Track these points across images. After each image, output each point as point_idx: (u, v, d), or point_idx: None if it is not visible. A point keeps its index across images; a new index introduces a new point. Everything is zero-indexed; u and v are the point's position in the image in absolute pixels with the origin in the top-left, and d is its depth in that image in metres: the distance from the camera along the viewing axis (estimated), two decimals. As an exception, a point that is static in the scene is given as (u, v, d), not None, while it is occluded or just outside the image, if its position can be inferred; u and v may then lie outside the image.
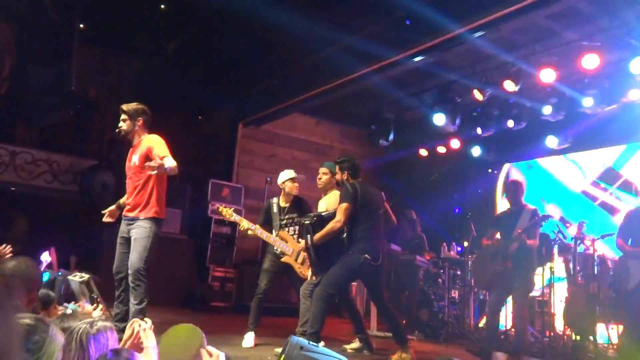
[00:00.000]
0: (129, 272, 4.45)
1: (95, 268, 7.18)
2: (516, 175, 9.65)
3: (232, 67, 9.09)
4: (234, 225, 9.34)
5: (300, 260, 5.52)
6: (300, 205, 5.88)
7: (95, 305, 4.12)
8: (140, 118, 4.67)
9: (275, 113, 9.52)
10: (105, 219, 4.88)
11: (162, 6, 8.67)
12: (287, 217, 5.83)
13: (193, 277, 8.88)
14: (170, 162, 4.28)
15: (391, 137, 9.11)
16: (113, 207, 4.89)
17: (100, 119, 9.18)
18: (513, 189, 5.71)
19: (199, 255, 8.99)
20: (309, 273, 5.39)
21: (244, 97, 9.61)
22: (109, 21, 8.81)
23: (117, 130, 4.77)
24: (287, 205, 5.85)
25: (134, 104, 4.74)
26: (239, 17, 7.34)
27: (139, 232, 4.50)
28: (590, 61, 6.40)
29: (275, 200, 5.98)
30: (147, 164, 4.31)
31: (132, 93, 9.74)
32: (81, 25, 9.21)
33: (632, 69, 6.08)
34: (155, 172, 4.23)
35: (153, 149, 4.43)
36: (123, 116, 4.69)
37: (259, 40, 7.94)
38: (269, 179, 9.07)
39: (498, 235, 5.59)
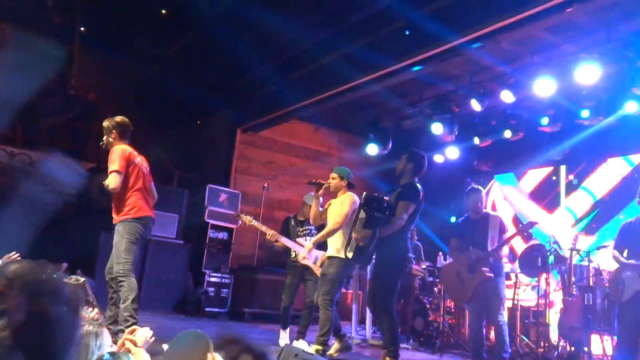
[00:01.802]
0: (113, 274, 4.69)
1: (92, 271, 7.19)
2: (498, 188, 9.70)
3: (231, 72, 9.12)
4: (230, 230, 9.36)
5: (318, 263, 5.92)
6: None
7: (90, 309, 4.12)
8: (114, 131, 4.97)
9: (274, 119, 9.55)
10: None
11: (163, 11, 8.71)
12: (304, 228, 6.62)
13: (188, 282, 8.87)
14: (107, 181, 4.73)
15: (389, 145, 9.14)
16: None
17: (100, 121, 9.17)
18: (475, 196, 5.77)
19: (195, 260, 8.99)
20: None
21: (243, 103, 9.64)
22: (110, 25, 8.86)
23: (102, 144, 5.09)
24: (305, 219, 6.63)
25: (114, 118, 5.05)
26: (239, 23, 7.39)
27: (115, 238, 4.81)
28: (587, 73, 6.43)
29: (292, 216, 6.96)
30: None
31: (132, 97, 9.77)
32: (82, 29, 9.25)
33: (628, 81, 6.12)
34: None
35: (109, 164, 4.79)
36: (104, 131, 5.04)
37: (259, 47, 7.98)
38: (266, 185, 9.10)
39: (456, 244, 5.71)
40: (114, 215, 4.90)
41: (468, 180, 10.16)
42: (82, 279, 4.83)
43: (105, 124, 5.02)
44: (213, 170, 10.29)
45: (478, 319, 5.68)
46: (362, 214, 5.03)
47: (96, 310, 4.26)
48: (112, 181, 4.71)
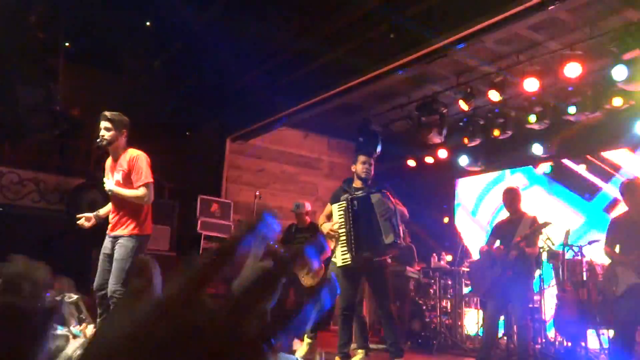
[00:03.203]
0: (108, 291, 4.34)
1: (84, 288, 7.12)
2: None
3: (218, 82, 9.11)
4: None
5: (305, 270, 6.37)
6: (315, 228, 6.75)
7: (84, 325, 4.09)
8: (124, 130, 4.53)
9: (262, 127, 9.54)
10: (79, 222, 4.71)
11: (148, 23, 8.69)
12: (301, 236, 7.04)
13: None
14: (139, 193, 4.35)
15: (379, 148, 9.15)
16: (91, 214, 4.73)
17: (87, 137, 9.15)
18: (510, 197, 5.72)
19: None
20: (310, 282, 6.39)
21: (231, 112, 9.63)
22: (95, 39, 8.82)
23: (98, 140, 4.53)
24: (303, 227, 7.13)
25: (118, 113, 4.56)
26: (224, 33, 7.38)
27: (120, 252, 4.40)
28: (572, 70, 6.49)
29: (294, 224, 7.35)
30: (113, 189, 4.38)
31: (119, 110, 9.72)
32: (67, 44, 9.21)
33: (613, 76, 6.16)
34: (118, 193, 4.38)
35: (133, 174, 4.38)
36: (106, 124, 4.47)
37: (245, 55, 7.97)
38: (257, 193, 9.06)
39: (498, 243, 5.61)
40: (123, 227, 4.46)
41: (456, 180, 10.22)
42: (76, 296, 4.81)
43: (114, 117, 4.49)
44: (204, 180, 10.25)
45: (493, 317, 5.60)
46: None
47: (91, 326, 4.24)
48: (147, 195, 4.34)
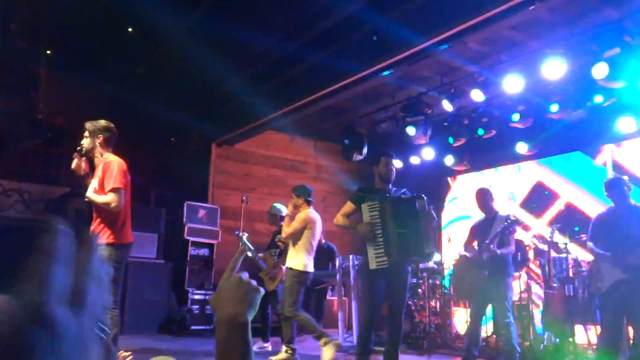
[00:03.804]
0: None
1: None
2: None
3: (202, 87, 9.08)
4: (211, 246, 9.31)
5: (268, 275, 6.92)
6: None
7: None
8: (100, 135, 4.49)
9: (248, 132, 9.53)
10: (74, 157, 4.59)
11: (130, 29, 8.63)
12: (275, 239, 7.01)
13: (172, 301, 8.78)
14: (106, 198, 4.27)
15: (365, 150, 9.17)
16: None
17: (71, 145, 9.06)
18: (482, 197, 5.76)
19: (177, 279, 8.90)
20: (271, 286, 6.81)
21: (216, 117, 9.60)
22: (77, 46, 8.75)
23: (78, 148, 4.56)
24: (278, 231, 7.09)
25: (101, 121, 4.57)
26: (207, 38, 7.36)
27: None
28: (553, 68, 6.56)
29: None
30: (89, 195, 4.35)
31: (102, 118, 9.65)
32: (48, 52, 9.13)
33: (594, 74, 6.23)
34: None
35: (105, 180, 4.34)
36: (85, 133, 4.54)
37: (229, 60, 7.95)
38: (244, 198, 9.04)
39: (475, 244, 5.65)
40: (100, 235, 4.35)
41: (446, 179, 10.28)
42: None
43: (89, 126, 4.51)
44: (190, 186, 10.22)
45: (476, 318, 5.64)
46: None
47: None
48: (115, 200, 4.25)
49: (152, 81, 9.39)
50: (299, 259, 5.99)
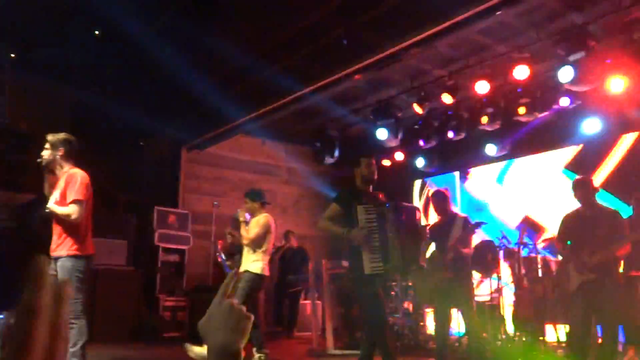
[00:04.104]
0: None
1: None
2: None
3: (171, 90, 8.97)
4: (182, 252, 9.20)
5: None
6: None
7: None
8: (61, 148, 4.51)
9: (218, 136, 9.46)
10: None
11: (97, 32, 8.49)
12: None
13: (142, 309, 8.63)
14: (67, 210, 4.30)
15: (336, 153, 9.19)
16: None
17: (37, 151, 8.86)
18: (438, 200, 5.80)
19: (148, 285, 8.76)
20: None
21: (185, 121, 9.50)
22: (42, 49, 8.56)
23: (38, 160, 4.58)
24: None
25: (61, 134, 4.59)
26: (175, 40, 7.28)
27: (62, 273, 4.27)
28: (521, 72, 6.68)
29: None
30: (50, 206, 4.36)
31: (68, 123, 9.46)
32: (12, 55, 8.91)
33: (560, 77, 6.35)
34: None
35: (68, 191, 4.35)
36: (46, 145, 4.56)
37: (198, 63, 7.88)
38: (216, 203, 8.98)
39: (433, 245, 5.72)
40: (61, 247, 4.36)
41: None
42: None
43: (50, 138, 4.54)
44: (160, 191, 10.08)
45: (442, 320, 5.69)
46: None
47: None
48: (76, 212, 4.27)
49: (119, 84, 9.24)
50: (259, 263, 5.96)
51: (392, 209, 4.69)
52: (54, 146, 4.52)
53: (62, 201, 4.37)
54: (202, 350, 5.72)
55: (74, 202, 4.31)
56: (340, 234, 4.66)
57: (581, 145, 8.32)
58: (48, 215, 4.52)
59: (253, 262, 5.96)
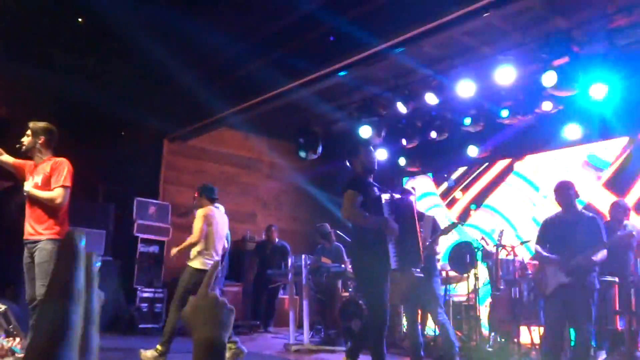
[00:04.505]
0: (37, 300, 4.23)
1: (15, 297, 6.80)
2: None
3: (155, 81, 8.89)
4: (161, 243, 9.12)
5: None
6: None
7: (11, 338, 3.90)
8: (42, 137, 4.66)
9: (201, 128, 9.39)
10: None
11: (80, 19, 8.36)
12: None
13: (120, 299, 8.56)
14: (53, 194, 4.43)
15: (319, 149, 9.18)
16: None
17: (15, 137, 8.71)
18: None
19: (126, 276, 8.68)
20: None
21: (168, 112, 9.41)
22: (23, 35, 8.42)
23: (19, 144, 4.73)
24: None
25: (42, 123, 4.75)
26: (161, 31, 7.20)
27: (41, 256, 4.37)
28: (505, 74, 6.72)
29: None
30: (29, 190, 4.46)
31: (49, 109, 9.30)
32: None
33: (543, 81, 6.41)
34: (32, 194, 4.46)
35: (54, 177, 4.50)
36: (27, 132, 4.71)
37: (183, 54, 7.81)
38: (196, 195, 8.90)
39: None
40: (41, 231, 4.45)
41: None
42: (4, 307, 4.57)
43: (32, 125, 4.71)
44: (140, 182, 9.99)
45: (413, 319, 5.77)
46: None
47: (17, 339, 4.04)
48: (61, 196, 4.45)
49: (102, 73, 9.13)
50: (198, 258, 5.91)
51: (409, 202, 4.62)
52: (35, 133, 4.66)
53: (44, 187, 4.51)
54: (154, 353, 5.65)
55: (62, 187, 4.47)
56: (377, 224, 4.33)
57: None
58: (23, 201, 4.57)
59: (194, 257, 5.92)
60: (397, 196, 4.85)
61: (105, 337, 7.39)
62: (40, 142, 4.65)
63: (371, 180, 4.71)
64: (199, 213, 6.03)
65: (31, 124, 4.72)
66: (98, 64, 8.89)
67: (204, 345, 1.09)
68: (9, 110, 8.94)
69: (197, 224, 5.93)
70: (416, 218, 4.75)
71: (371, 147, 4.85)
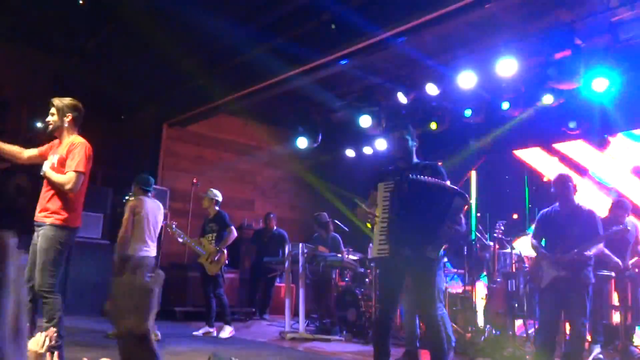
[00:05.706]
0: (35, 286, 4.01)
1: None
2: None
3: (156, 66, 8.83)
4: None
5: (209, 260, 7.08)
6: (220, 218, 7.32)
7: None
8: (69, 114, 4.29)
9: (201, 114, 9.36)
10: None
11: (81, 1, 8.30)
12: (209, 225, 7.34)
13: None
14: (64, 178, 4.09)
15: (319, 137, 9.16)
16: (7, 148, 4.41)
17: (14, 118, 8.71)
18: None
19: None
20: (213, 270, 7.05)
21: (168, 97, 9.38)
22: (24, 17, 8.36)
23: (45, 124, 4.35)
24: (211, 216, 7.42)
25: (67, 99, 4.37)
26: (163, 15, 7.15)
27: (42, 242, 4.07)
28: (506, 66, 6.68)
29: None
30: (45, 170, 4.17)
31: (48, 91, 9.24)
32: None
33: (549, 74, 6.37)
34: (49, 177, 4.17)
35: (69, 160, 4.14)
36: (52, 110, 4.32)
37: (184, 40, 7.77)
38: (195, 181, 8.89)
39: None
40: (45, 215, 4.13)
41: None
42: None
43: (57, 103, 4.30)
44: (139, 167, 9.94)
45: (411, 310, 5.76)
46: None
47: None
48: (73, 182, 4.06)
49: (103, 57, 9.08)
50: (131, 249, 6.08)
51: (408, 183, 4.01)
52: (61, 112, 4.30)
53: (59, 168, 4.18)
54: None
55: (75, 172, 4.11)
56: (368, 216, 4.11)
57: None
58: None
59: (131, 248, 6.13)
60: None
61: (100, 321, 7.40)
62: (68, 119, 4.30)
63: (409, 164, 4.40)
64: (127, 204, 6.28)
65: (56, 101, 4.32)
66: (98, 47, 8.83)
67: (127, 335, 1.05)
68: (8, 91, 8.90)
69: (125, 215, 6.18)
70: (441, 204, 4.39)
71: (396, 133, 4.49)
